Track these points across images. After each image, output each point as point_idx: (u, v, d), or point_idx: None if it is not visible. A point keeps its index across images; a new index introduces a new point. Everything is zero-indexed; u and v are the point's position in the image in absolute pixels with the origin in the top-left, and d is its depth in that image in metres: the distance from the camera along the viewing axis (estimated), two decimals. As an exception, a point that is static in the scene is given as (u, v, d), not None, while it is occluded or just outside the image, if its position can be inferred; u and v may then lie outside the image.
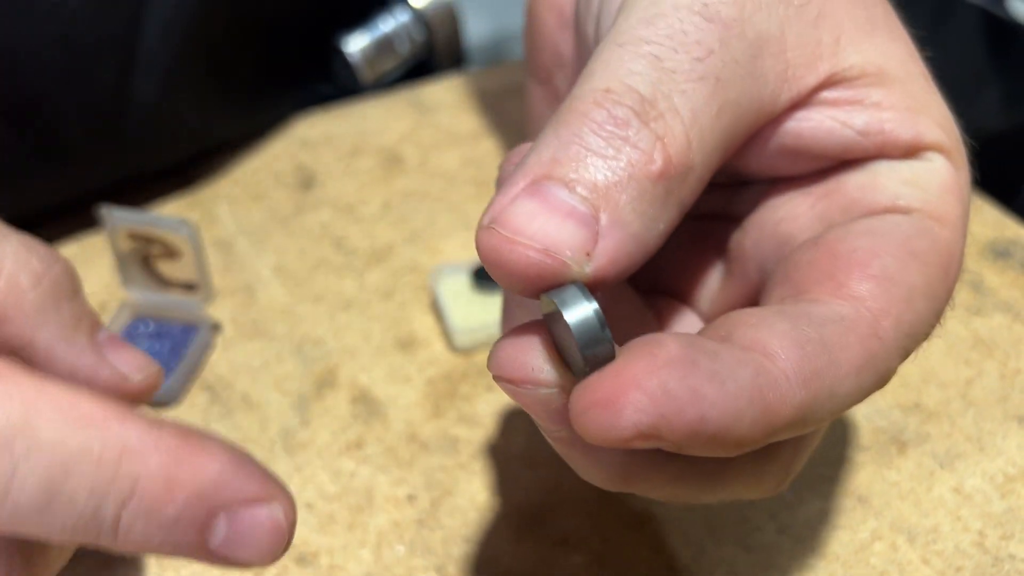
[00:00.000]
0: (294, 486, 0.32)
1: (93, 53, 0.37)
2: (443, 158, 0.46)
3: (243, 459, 0.20)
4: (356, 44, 0.48)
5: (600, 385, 0.18)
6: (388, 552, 0.30)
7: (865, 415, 0.34)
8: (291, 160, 0.46)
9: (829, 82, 0.23)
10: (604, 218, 0.19)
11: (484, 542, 0.30)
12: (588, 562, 0.29)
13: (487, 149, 0.47)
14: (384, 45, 0.49)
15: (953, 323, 0.37)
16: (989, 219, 0.42)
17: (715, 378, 0.18)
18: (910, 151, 0.23)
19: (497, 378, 0.21)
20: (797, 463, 0.25)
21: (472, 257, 0.39)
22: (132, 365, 0.25)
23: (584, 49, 0.26)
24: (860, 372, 0.20)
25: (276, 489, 0.21)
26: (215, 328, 0.37)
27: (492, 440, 0.33)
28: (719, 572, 0.29)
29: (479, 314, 0.37)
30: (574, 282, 0.19)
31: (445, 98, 0.50)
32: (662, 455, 0.22)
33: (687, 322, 0.26)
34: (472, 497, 0.31)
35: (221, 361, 0.36)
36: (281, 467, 0.32)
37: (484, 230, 0.19)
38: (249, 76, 0.46)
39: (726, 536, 0.30)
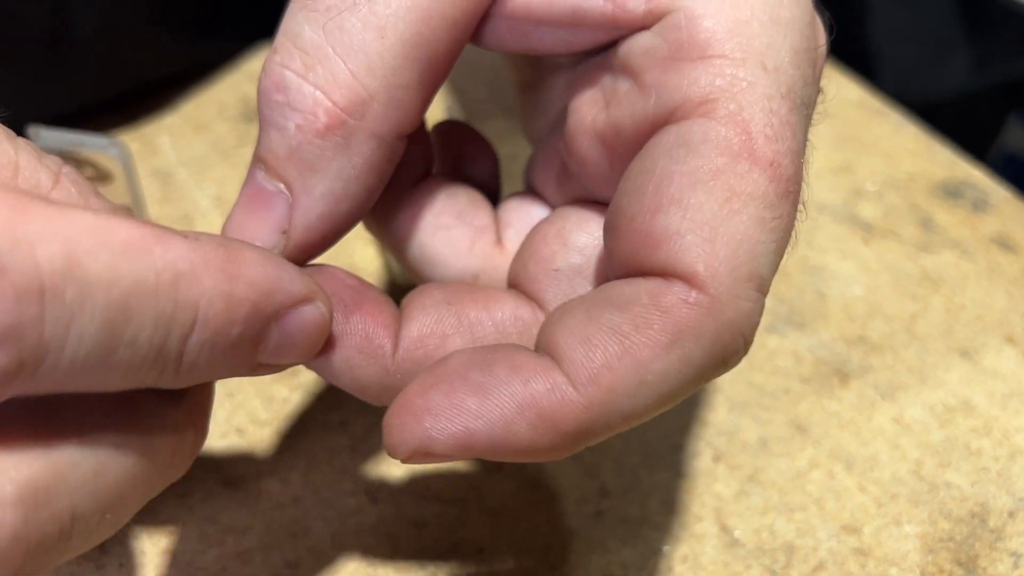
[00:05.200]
0: (224, 412, 0.31)
1: None
2: (393, 93, 0.45)
3: (276, 258, 0.19)
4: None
5: (393, 407, 0.19)
6: (317, 476, 0.29)
7: (808, 347, 0.33)
8: (236, 92, 0.45)
9: None
10: (290, 190, 0.20)
11: (417, 466, 0.30)
12: (519, 487, 0.29)
13: (438, 85, 0.46)
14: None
15: (901, 259, 0.37)
16: (941, 160, 0.42)
17: (479, 390, 0.18)
18: (647, 17, 0.20)
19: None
20: None
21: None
22: None
23: None
24: (670, 349, 0.18)
25: (313, 284, 0.20)
26: (150, 256, 0.36)
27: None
28: (653, 499, 0.29)
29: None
30: None
31: (398, 34, 0.49)
32: None
33: (532, 213, 0.24)
34: (406, 424, 0.31)
35: (155, 289, 0.35)
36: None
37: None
38: (193, 10, 0.44)
39: (660, 464, 0.30)
